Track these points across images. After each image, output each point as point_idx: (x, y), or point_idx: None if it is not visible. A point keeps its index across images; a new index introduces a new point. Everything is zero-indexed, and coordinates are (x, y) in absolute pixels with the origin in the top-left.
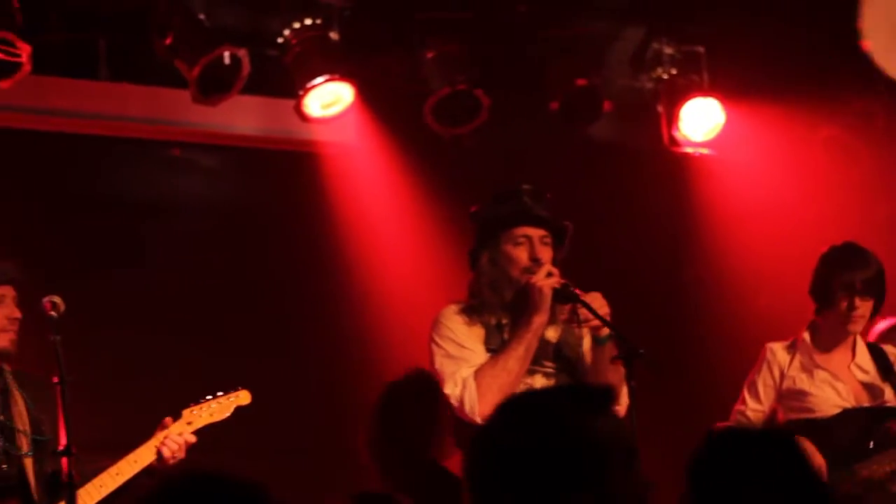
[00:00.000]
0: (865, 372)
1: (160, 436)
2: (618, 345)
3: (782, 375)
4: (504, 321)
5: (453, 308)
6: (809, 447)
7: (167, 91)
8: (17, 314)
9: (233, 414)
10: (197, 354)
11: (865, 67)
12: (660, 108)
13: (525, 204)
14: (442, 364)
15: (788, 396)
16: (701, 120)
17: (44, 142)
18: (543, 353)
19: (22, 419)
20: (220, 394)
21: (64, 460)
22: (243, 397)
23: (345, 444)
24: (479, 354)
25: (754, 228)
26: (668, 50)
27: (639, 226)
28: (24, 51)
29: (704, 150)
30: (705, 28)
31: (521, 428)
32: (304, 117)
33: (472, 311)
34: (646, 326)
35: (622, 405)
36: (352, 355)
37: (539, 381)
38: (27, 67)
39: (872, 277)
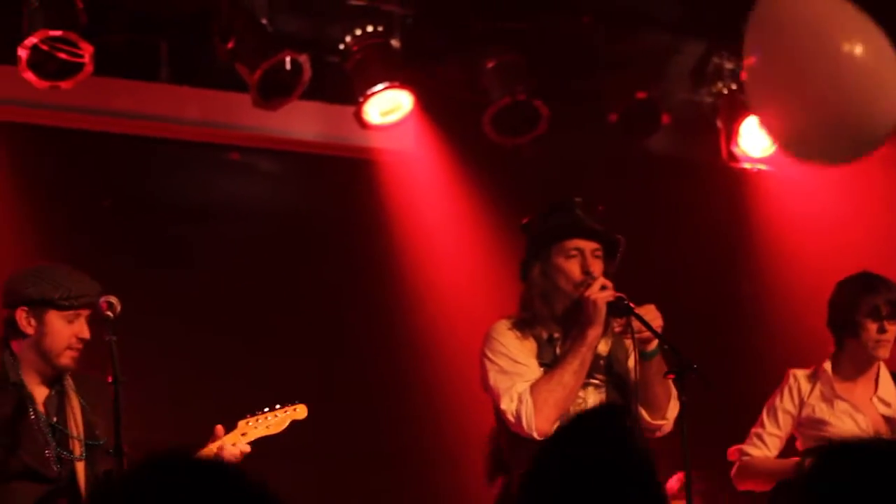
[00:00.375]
0: (888, 405)
1: (213, 446)
2: (671, 359)
3: (802, 403)
4: (556, 335)
5: (505, 323)
6: None
7: (227, 94)
8: (87, 335)
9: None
10: (250, 359)
11: None
12: (719, 123)
13: (577, 216)
14: (496, 380)
15: (807, 425)
16: (760, 136)
17: (104, 143)
18: (595, 366)
19: (76, 423)
20: (277, 406)
21: (114, 459)
22: (300, 412)
23: (388, 450)
24: (533, 369)
25: (810, 245)
26: (729, 64)
27: (695, 240)
28: (87, 51)
29: (762, 167)
30: None
31: (586, 445)
32: (363, 124)
33: (523, 324)
34: (700, 341)
35: (669, 420)
36: (405, 363)
37: (591, 395)
38: (89, 68)
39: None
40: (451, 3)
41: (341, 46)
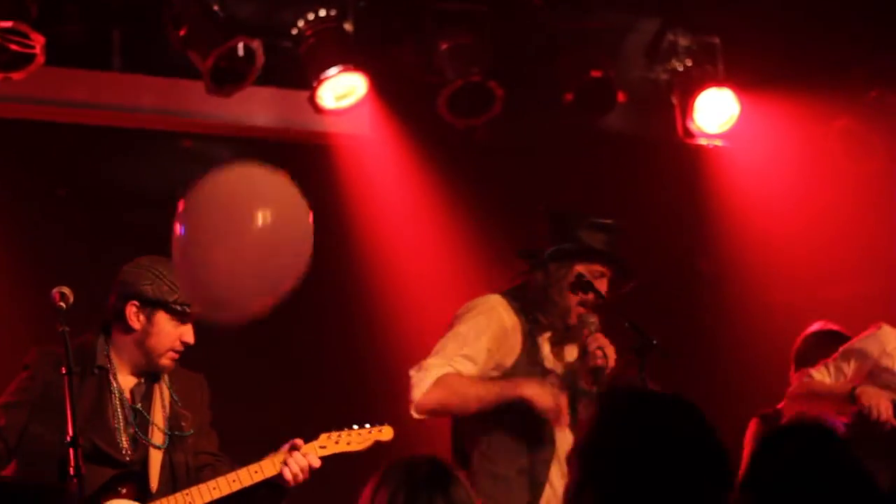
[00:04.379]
0: None
1: (284, 451)
2: (632, 336)
3: (883, 353)
4: (546, 335)
5: (499, 301)
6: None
7: (181, 82)
8: (192, 340)
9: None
10: (205, 344)
11: (881, 58)
12: (674, 100)
13: (616, 241)
14: (440, 344)
15: (880, 374)
16: (715, 111)
17: (58, 133)
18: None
19: (162, 412)
20: (366, 425)
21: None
22: (385, 433)
23: None
24: (469, 367)
25: (768, 220)
26: (683, 41)
27: (652, 217)
28: (38, 42)
29: (718, 142)
30: (720, 19)
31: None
32: (317, 108)
33: (520, 306)
34: (658, 317)
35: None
36: (362, 347)
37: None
38: (41, 59)
39: None
40: None
41: (294, 31)
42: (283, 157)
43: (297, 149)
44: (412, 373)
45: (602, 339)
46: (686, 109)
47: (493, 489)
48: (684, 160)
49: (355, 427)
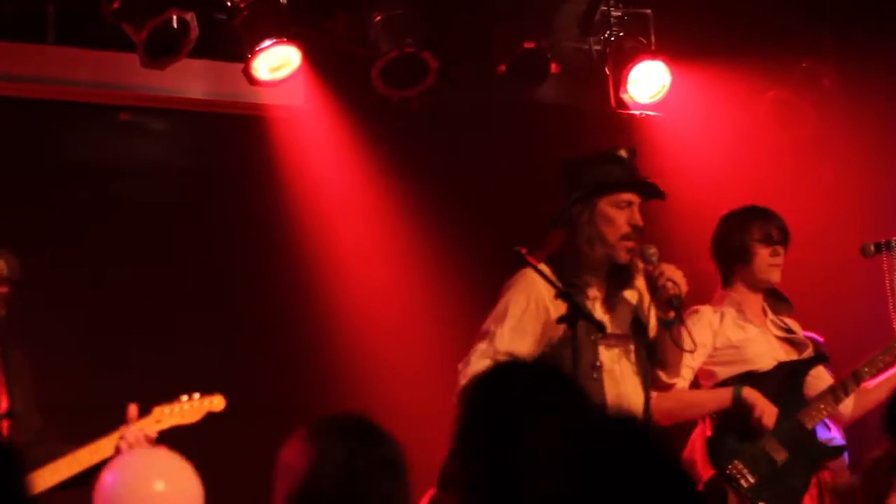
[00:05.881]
0: (780, 328)
1: (123, 429)
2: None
3: (715, 333)
4: (596, 294)
5: (540, 281)
6: (761, 398)
7: (115, 55)
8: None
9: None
10: (140, 317)
11: (812, 29)
12: (607, 71)
13: (632, 169)
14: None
15: (724, 352)
16: (648, 82)
17: None
18: (621, 318)
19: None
20: (196, 395)
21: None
22: (217, 403)
23: (277, 419)
24: (524, 347)
25: (701, 190)
26: (616, 12)
27: None
28: None
29: (651, 112)
30: None
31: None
32: (252, 80)
33: (564, 273)
34: None
35: (683, 378)
36: (295, 320)
37: (605, 353)
38: None
39: (785, 226)
40: None
41: (228, 3)
42: (219, 128)
43: (233, 120)
44: (460, 367)
45: (669, 268)
46: (619, 80)
47: None
48: (617, 130)
49: (185, 398)
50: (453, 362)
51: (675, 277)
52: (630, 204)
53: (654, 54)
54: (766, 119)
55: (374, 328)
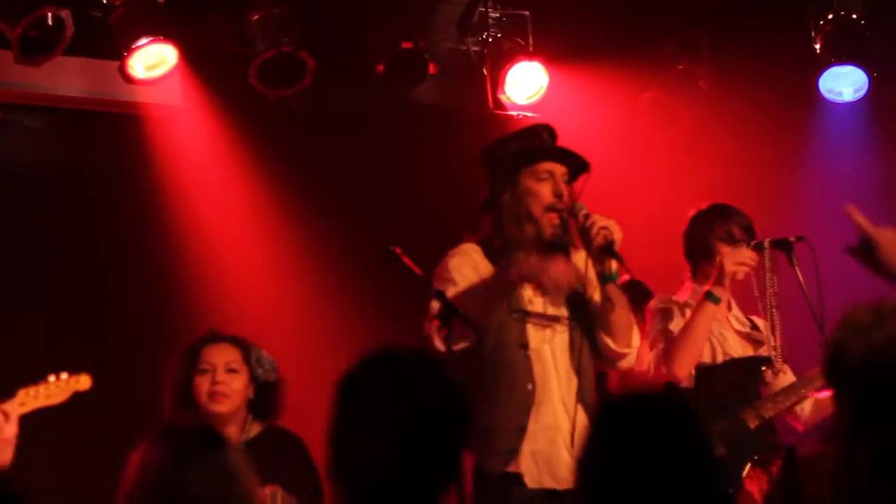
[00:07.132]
0: (742, 324)
1: None
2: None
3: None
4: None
5: (475, 249)
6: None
7: None
8: None
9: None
10: (15, 317)
11: (689, 31)
12: (485, 71)
13: (545, 140)
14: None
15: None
16: (525, 83)
17: None
18: (557, 300)
19: None
20: (63, 375)
21: None
22: (83, 382)
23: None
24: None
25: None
26: (494, 13)
27: (462, 187)
28: None
29: (528, 113)
30: None
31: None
32: (128, 79)
33: (493, 252)
34: None
35: (634, 348)
36: (174, 320)
37: (557, 334)
38: None
39: (748, 224)
40: None
41: (104, 0)
42: (95, 126)
43: (108, 118)
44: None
45: (599, 217)
46: (496, 81)
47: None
48: (494, 131)
49: (52, 378)
50: (327, 357)
51: (608, 225)
52: (551, 174)
53: (531, 55)
54: (643, 120)
55: (249, 326)
